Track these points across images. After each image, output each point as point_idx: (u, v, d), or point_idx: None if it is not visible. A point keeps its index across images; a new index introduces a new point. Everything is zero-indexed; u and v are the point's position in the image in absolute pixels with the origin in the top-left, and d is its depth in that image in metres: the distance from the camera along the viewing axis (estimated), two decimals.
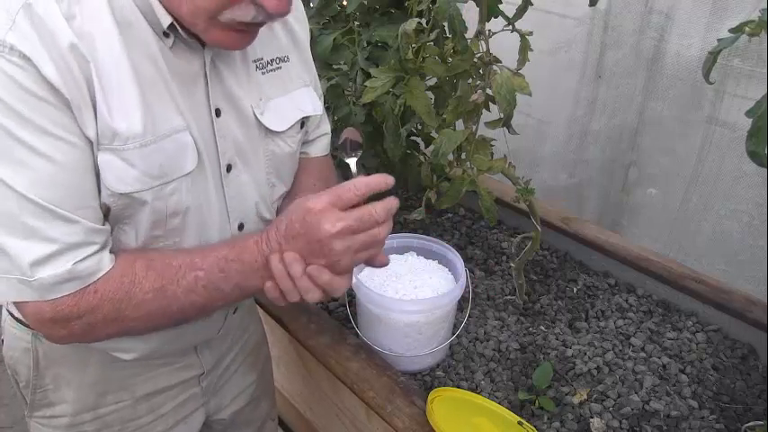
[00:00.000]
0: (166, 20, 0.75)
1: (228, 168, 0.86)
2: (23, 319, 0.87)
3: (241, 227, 0.90)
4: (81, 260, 0.72)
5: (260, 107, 0.88)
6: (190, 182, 0.80)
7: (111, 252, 0.77)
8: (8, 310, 0.93)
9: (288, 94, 0.92)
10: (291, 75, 0.93)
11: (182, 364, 1.00)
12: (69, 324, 0.74)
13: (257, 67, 0.88)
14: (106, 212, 0.76)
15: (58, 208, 0.70)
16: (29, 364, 0.92)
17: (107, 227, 0.76)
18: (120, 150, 0.73)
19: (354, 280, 1.20)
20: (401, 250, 1.34)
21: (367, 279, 1.24)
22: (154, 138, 0.75)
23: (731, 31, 0.81)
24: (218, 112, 0.83)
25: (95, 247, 0.74)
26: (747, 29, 0.78)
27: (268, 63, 0.90)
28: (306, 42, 0.99)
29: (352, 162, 0.87)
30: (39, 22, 0.66)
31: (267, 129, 0.89)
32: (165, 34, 0.76)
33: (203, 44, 0.80)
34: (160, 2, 0.74)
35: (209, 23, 0.73)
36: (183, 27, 0.76)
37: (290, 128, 0.93)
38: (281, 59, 0.92)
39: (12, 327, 0.92)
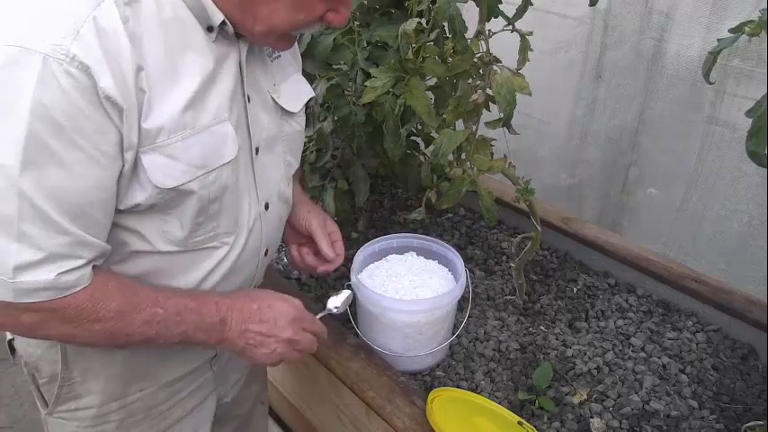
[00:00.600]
0: (218, 17, 0.79)
1: (257, 151, 0.92)
2: None
3: (267, 206, 0.96)
4: (65, 272, 0.73)
5: (276, 92, 0.95)
6: (229, 168, 0.85)
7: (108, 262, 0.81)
8: None
9: (288, 79, 0.99)
10: (287, 62, 1.00)
11: (196, 349, 1.01)
12: (21, 316, 0.75)
13: (268, 56, 0.95)
14: (152, 207, 0.79)
15: (58, 218, 0.71)
16: (55, 358, 0.92)
17: (103, 245, 0.78)
18: (164, 146, 0.76)
19: (354, 279, 1.20)
20: (401, 250, 1.34)
21: (367, 279, 1.24)
22: (194, 130, 0.79)
23: (731, 31, 0.81)
24: (249, 99, 0.89)
25: (80, 262, 0.75)
26: (747, 29, 0.78)
27: (273, 51, 0.96)
28: None
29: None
30: (103, 33, 0.68)
31: (284, 110, 0.97)
32: (209, 29, 0.80)
33: (237, 36, 0.84)
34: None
35: (275, 35, 0.82)
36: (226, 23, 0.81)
37: (300, 110, 1.01)
38: (272, 50, 0.97)
39: None
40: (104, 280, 0.79)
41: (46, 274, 0.72)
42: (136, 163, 0.76)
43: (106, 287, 0.78)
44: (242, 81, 0.87)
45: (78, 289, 0.75)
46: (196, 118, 0.79)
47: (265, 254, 1.00)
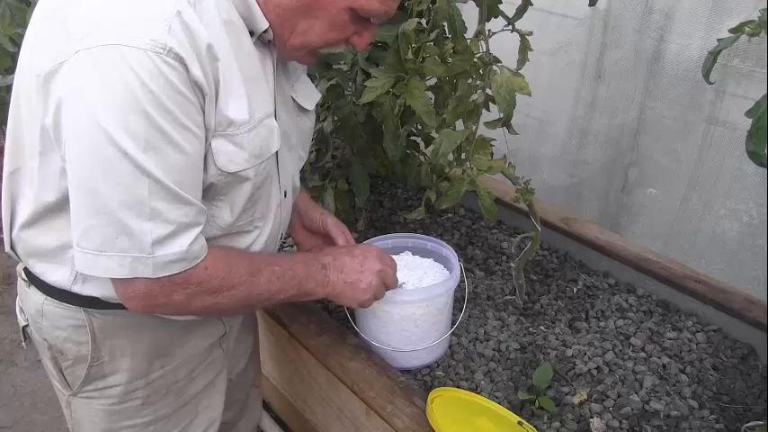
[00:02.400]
0: (264, 24, 0.86)
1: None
2: (112, 297, 0.90)
3: (285, 194, 1.05)
4: (193, 242, 0.82)
5: (293, 91, 1.04)
6: (273, 159, 0.95)
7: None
8: (45, 295, 0.96)
9: (300, 79, 1.07)
10: (296, 65, 1.07)
11: (210, 326, 1.08)
12: (173, 293, 0.84)
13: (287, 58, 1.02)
14: (208, 189, 0.87)
15: (182, 191, 0.79)
16: (82, 339, 0.96)
17: (206, 209, 0.86)
18: (233, 136, 0.84)
19: None
20: (396, 251, 1.34)
21: None
22: (254, 124, 0.87)
23: (731, 31, 0.81)
24: (275, 99, 0.97)
25: (200, 228, 0.84)
26: (747, 29, 0.78)
27: None
28: None
29: None
30: (187, 28, 0.76)
31: (300, 107, 1.06)
32: (251, 33, 0.88)
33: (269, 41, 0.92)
34: (259, 6, 0.85)
35: (306, 50, 0.91)
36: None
37: (314, 107, 1.10)
38: None
39: (56, 308, 0.95)
40: (224, 252, 0.90)
41: (180, 245, 0.81)
42: (208, 146, 0.83)
43: (230, 257, 0.90)
44: (275, 80, 0.95)
45: (201, 259, 0.85)
46: (255, 112, 0.87)
47: (281, 236, 1.10)
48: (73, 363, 0.99)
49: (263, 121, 0.89)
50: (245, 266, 0.91)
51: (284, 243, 1.29)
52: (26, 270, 0.98)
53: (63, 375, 1.01)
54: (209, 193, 0.88)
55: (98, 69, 0.73)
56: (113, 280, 0.84)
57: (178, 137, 0.77)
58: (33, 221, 0.90)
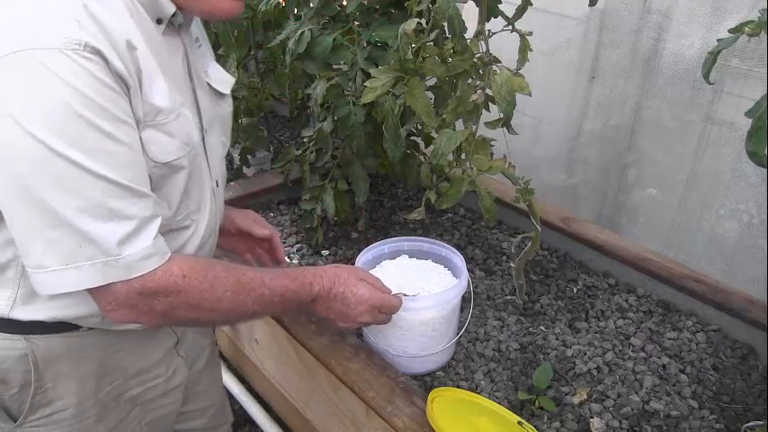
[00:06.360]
0: (171, 8, 0.84)
1: (205, 132, 0.97)
2: (56, 317, 0.88)
3: (217, 183, 1.03)
4: (158, 235, 0.80)
5: (207, 76, 1.01)
6: (198, 146, 0.92)
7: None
8: None
9: (211, 65, 1.05)
10: (206, 49, 1.06)
11: (159, 336, 1.05)
12: (153, 302, 0.81)
13: (197, 44, 1.01)
14: None
15: (134, 185, 0.77)
16: (25, 368, 0.90)
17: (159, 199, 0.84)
18: (163, 124, 0.82)
19: None
20: (393, 255, 1.34)
21: None
22: (179, 111, 0.85)
23: (731, 31, 0.81)
24: (193, 86, 0.95)
25: (160, 219, 0.82)
26: (747, 29, 0.78)
27: (196, 40, 1.01)
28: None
29: None
30: (97, 20, 0.73)
31: (217, 92, 1.02)
32: (158, 21, 0.85)
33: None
34: None
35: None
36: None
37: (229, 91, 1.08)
38: (198, 39, 1.03)
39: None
40: (210, 263, 0.88)
41: (146, 240, 0.78)
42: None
43: (214, 269, 0.87)
44: (188, 67, 0.93)
45: (170, 254, 0.82)
46: (176, 99, 0.85)
47: (219, 229, 1.08)
48: (18, 391, 0.92)
49: (180, 109, 0.87)
50: (232, 282, 0.88)
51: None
52: None
53: (6, 406, 0.93)
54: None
55: (16, 80, 0.69)
56: (93, 295, 0.81)
57: (117, 132, 0.75)
58: None
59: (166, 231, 0.89)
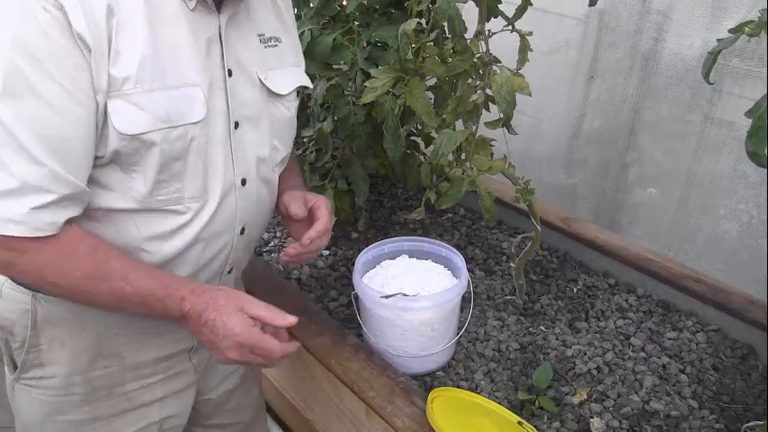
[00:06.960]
0: None
1: (236, 125, 0.94)
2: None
3: (244, 182, 0.97)
4: (39, 207, 0.77)
5: (263, 73, 0.98)
6: (197, 131, 0.88)
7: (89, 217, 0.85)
8: (6, 277, 0.94)
9: (284, 69, 1.02)
10: (286, 54, 1.04)
11: (172, 336, 1.02)
12: (8, 253, 0.79)
13: (261, 41, 0.98)
14: (116, 157, 0.83)
15: (34, 148, 0.75)
16: (26, 324, 0.94)
17: (79, 184, 0.80)
18: (130, 94, 0.80)
19: (361, 283, 1.20)
20: (393, 255, 1.34)
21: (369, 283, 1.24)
22: (160, 86, 0.83)
23: (731, 31, 0.81)
24: (230, 73, 0.92)
25: (53, 197, 0.78)
26: (747, 29, 0.78)
27: (268, 39, 1.00)
28: (294, 27, 1.10)
29: None
30: None
31: (270, 91, 0.99)
32: None
33: (218, 10, 0.89)
34: None
35: None
36: None
37: (290, 93, 1.03)
38: (277, 39, 1.02)
39: (11, 290, 0.94)
40: (76, 240, 0.83)
41: (20, 207, 0.76)
42: (105, 109, 0.79)
43: (75, 247, 0.82)
44: (221, 54, 0.90)
45: (50, 233, 0.78)
46: (163, 77, 0.83)
47: (242, 232, 0.99)
48: (19, 346, 0.97)
49: (182, 88, 0.85)
50: (87, 264, 0.83)
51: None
52: None
53: (12, 357, 0.99)
54: (121, 162, 0.84)
55: None
56: None
57: (46, 90, 0.74)
58: None
59: (149, 210, 0.88)
